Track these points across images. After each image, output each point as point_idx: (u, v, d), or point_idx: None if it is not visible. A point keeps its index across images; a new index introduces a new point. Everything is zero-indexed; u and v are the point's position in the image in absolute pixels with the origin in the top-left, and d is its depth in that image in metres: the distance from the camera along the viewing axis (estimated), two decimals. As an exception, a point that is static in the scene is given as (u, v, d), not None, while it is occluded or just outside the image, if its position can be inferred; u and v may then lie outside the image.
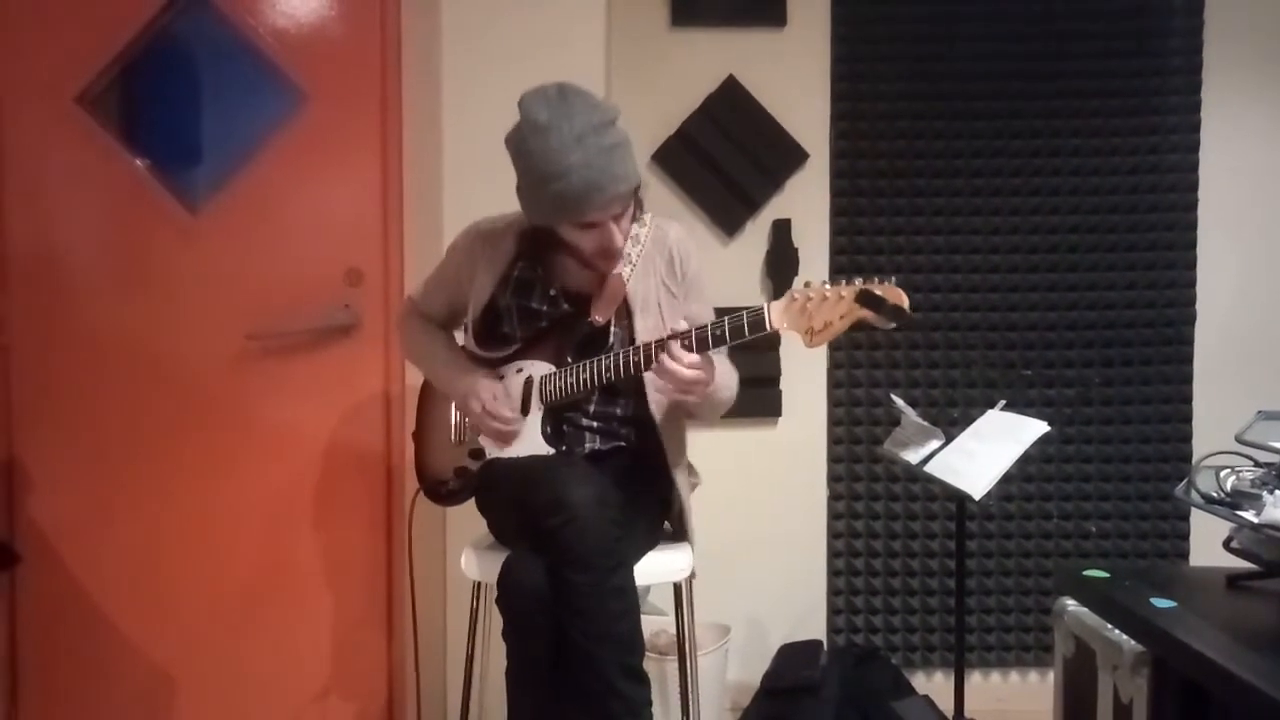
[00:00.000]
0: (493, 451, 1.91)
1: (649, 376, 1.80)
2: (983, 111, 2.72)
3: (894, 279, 1.59)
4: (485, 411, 1.85)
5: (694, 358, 1.66)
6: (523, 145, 1.70)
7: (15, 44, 2.37)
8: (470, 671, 1.98)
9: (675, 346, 1.66)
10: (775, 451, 2.75)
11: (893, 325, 1.59)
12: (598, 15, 2.61)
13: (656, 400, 1.85)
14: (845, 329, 1.59)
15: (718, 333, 1.66)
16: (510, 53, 2.55)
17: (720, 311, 1.72)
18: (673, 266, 1.91)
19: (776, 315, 1.63)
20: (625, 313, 1.88)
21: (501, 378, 1.93)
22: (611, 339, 1.87)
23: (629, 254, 1.88)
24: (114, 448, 2.41)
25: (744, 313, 1.65)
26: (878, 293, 1.56)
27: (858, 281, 1.59)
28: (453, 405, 2.00)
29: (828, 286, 1.61)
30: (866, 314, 1.57)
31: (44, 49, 2.37)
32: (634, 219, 1.86)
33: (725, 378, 1.84)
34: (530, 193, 1.75)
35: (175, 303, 2.41)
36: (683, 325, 1.69)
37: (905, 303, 1.56)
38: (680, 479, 1.91)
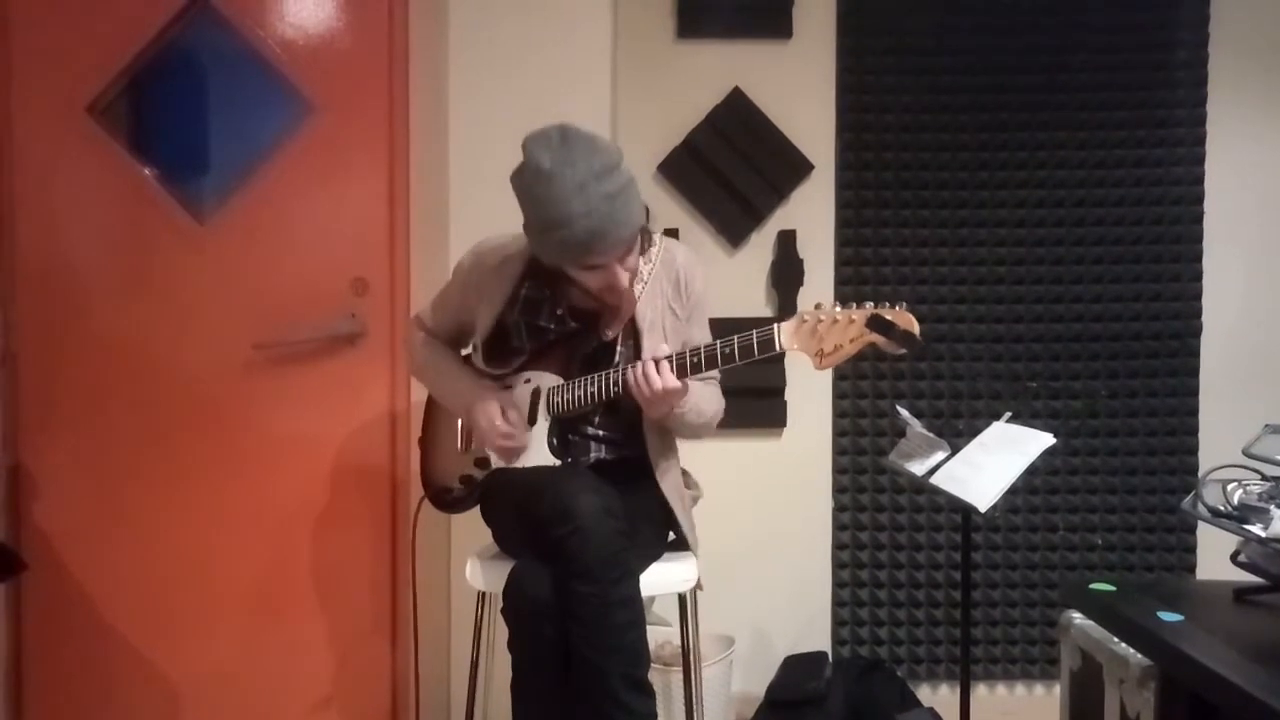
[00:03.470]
0: (499, 461, 1.91)
1: None
2: (988, 123, 2.73)
3: (903, 304, 1.59)
4: (493, 428, 1.86)
5: (672, 380, 1.70)
6: (527, 190, 1.70)
7: (26, 54, 2.38)
8: (474, 682, 1.98)
9: (662, 362, 1.71)
10: (780, 462, 2.75)
11: (902, 351, 1.59)
12: (604, 27, 2.63)
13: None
14: (855, 352, 1.60)
15: (727, 351, 1.68)
16: (516, 64, 2.56)
17: (727, 324, 1.72)
18: (678, 288, 1.92)
19: (786, 336, 1.64)
20: (632, 331, 1.88)
21: (509, 387, 1.93)
22: (617, 357, 1.88)
23: (642, 273, 1.89)
24: (120, 455, 2.42)
25: (754, 332, 1.66)
26: (888, 318, 1.57)
27: (869, 305, 1.60)
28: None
29: (838, 309, 1.61)
30: (877, 338, 1.58)
31: (55, 59, 2.38)
32: (642, 251, 1.87)
33: (704, 403, 1.87)
34: (535, 236, 1.76)
35: (182, 311, 2.42)
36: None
37: (916, 329, 1.57)
38: (668, 488, 1.91)
